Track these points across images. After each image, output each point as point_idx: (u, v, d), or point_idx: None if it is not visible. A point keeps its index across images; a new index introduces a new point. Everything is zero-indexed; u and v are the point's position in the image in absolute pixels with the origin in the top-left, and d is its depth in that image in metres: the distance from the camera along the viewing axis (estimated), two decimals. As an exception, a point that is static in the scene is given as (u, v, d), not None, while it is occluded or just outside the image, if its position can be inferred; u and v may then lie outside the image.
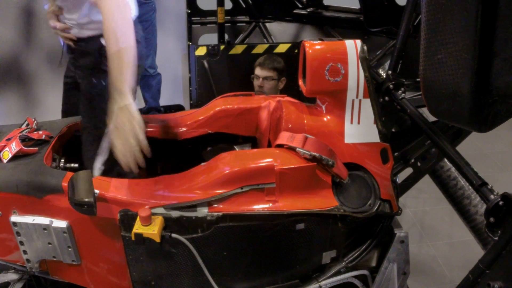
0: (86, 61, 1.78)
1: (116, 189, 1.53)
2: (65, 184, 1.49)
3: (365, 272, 1.77)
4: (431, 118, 1.47)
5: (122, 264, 1.61)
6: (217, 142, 1.97)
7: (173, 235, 1.49)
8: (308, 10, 3.41)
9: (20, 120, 1.86)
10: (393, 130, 1.89)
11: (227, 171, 1.51)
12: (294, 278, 1.72)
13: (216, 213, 1.51)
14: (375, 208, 1.65)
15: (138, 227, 1.46)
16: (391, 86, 1.79)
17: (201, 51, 3.05)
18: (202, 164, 1.64)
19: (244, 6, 3.47)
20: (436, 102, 1.22)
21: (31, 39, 3.66)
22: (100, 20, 1.51)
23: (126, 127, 1.37)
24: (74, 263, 1.64)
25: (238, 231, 1.55)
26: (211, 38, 3.40)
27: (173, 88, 4.29)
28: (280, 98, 1.86)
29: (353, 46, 1.63)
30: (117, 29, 1.44)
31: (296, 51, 3.06)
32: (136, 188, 1.55)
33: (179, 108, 3.92)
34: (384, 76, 1.87)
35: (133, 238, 1.46)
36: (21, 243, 1.60)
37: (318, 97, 1.74)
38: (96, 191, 1.46)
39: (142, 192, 1.54)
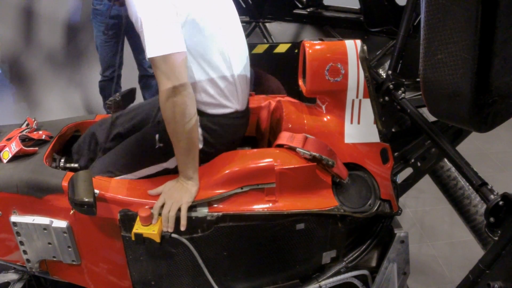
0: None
1: (116, 189, 1.53)
2: (65, 184, 1.49)
3: (365, 272, 1.77)
4: (431, 118, 1.47)
5: (122, 264, 1.61)
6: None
7: (173, 235, 1.49)
8: (308, 10, 3.41)
9: (20, 120, 1.86)
10: (393, 130, 1.89)
11: (227, 171, 1.51)
12: (294, 278, 1.72)
13: (216, 213, 1.51)
14: (375, 208, 1.65)
15: (138, 227, 1.46)
16: (391, 86, 1.78)
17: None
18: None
19: (244, 6, 3.47)
20: (436, 102, 1.22)
21: (31, 39, 3.66)
22: None
23: (175, 200, 1.48)
24: (74, 263, 1.64)
25: (238, 231, 1.55)
26: (211, 38, 3.39)
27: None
28: (280, 98, 1.87)
29: (353, 46, 1.63)
30: (174, 126, 1.41)
31: (296, 51, 3.05)
32: (136, 188, 1.55)
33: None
34: (384, 76, 1.87)
35: (133, 238, 1.46)
36: (21, 243, 1.60)
37: (318, 97, 1.74)
38: (96, 191, 1.46)
39: (142, 192, 1.54)
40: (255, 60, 2.90)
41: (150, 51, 1.34)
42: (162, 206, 1.48)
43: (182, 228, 1.48)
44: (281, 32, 3.52)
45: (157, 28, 1.36)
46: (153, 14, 1.36)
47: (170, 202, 1.47)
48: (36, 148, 1.68)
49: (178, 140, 1.44)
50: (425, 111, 1.56)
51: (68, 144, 1.90)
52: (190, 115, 1.40)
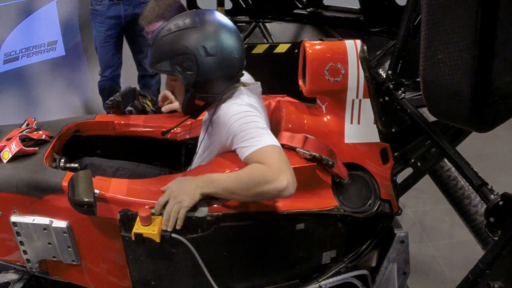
0: None
1: (116, 189, 1.53)
2: (65, 184, 1.49)
3: (365, 272, 1.77)
4: (431, 118, 1.47)
5: (122, 264, 1.61)
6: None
7: (173, 235, 1.49)
8: (308, 10, 3.42)
9: (20, 120, 1.86)
10: (393, 130, 1.89)
11: (227, 171, 1.51)
12: (294, 278, 1.72)
13: (216, 213, 1.51)
14: (375, 208, 1.65)
15: (138, 227, 1.46)
16: (391, 86, 1.78)
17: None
18: (202, 163, 1.64)
19: (244, 6, 3.47)
20: (436, 102, 1.22)
21: (31, 39, 3.66)
22: None
23: (179, 200, 1.43)
24: (74, 263, 1.64)
25: (238, 231, 1.55)
26: (211, 38, 3.39)
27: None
28: (280, 98, 1.87)
29: (353, 46, 1.63)
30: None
31: (296, 51, 3.05)
32: (136, 188, 1.55)
33: (179, 108, 3.91)
34: (384, 76, 1.87)
35: (133, 238, 1.46)
36: (21, 243, 1.60)
37: (318, 97, 1.74)
38: (96, 191, 1.46)
39: (142, 192, 1.54)
40: (255, 60, 2.91)
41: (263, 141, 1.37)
42: (165, 204, 1.46)
43: (177, 227, 1.46)
44: (281, 32, 3.52)
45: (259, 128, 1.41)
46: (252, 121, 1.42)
47: (174, 201, 1.44)
48: (36, 148, 1.68)
49: (241, 190, 1.39)
50: (425, 111, 1.56)
51: (68, 144, 1.90)
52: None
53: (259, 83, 1.67)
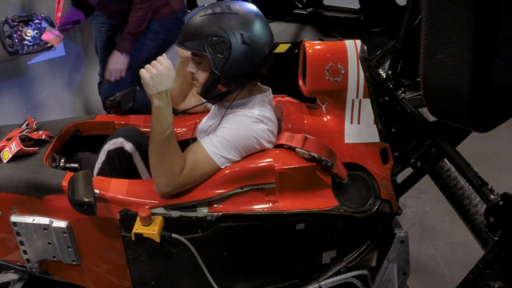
0: None
1: (116, 189, 1.53)
2: (65, 184, 1.49)
3: (365, 272, 1.77)
4: (431, 118, 1.47)
5: (122, 264, 1.61)
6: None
7: (173, 235, 1.49)
8: (308, 10, 3.41)
9: (20, 120, 1.86)
10: (393, 130, 1.89)
11: (227, 171, 1.51)
12: (294, 278, 1.72)
13: (216, 213, 1.51)
14: (375, 208, 1.65)
15: (138, 227, 1.46)
16: (391, 86, 1.78)
17: (201, 51, 3.04)
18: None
19: (244, 6, 3.46)
20: (436, 102, 1.22)
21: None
22: None
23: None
24: (74, 263, 1.64)
25: (238, 231, 1.55)
26: (211, 38, 3.39)
27: (173, 88, 4.28)
28: (280, 98, 1.87)
29: (353, 46, 1.63)
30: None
31: (296, 51, 3.05)
32: (136, 188, 1.55)
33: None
34: (384, 76, 1.87)
35: (133, 238, 1.46)
36: (21, 243, 1.60)
37: (318, 97, 1.74)
38: (96, 191, 1.46)
39: (142, 192, 1.54)
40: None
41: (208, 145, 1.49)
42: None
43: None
44: (281, 32, 3.51)
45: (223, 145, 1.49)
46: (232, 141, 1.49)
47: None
48: (36, 148, 1.68)
49: (152, 148, 1.47)
50: (425, 111, 1.56)
51: (68, 144, 1.90)
52: None
53: (270, 90, 1.69)
